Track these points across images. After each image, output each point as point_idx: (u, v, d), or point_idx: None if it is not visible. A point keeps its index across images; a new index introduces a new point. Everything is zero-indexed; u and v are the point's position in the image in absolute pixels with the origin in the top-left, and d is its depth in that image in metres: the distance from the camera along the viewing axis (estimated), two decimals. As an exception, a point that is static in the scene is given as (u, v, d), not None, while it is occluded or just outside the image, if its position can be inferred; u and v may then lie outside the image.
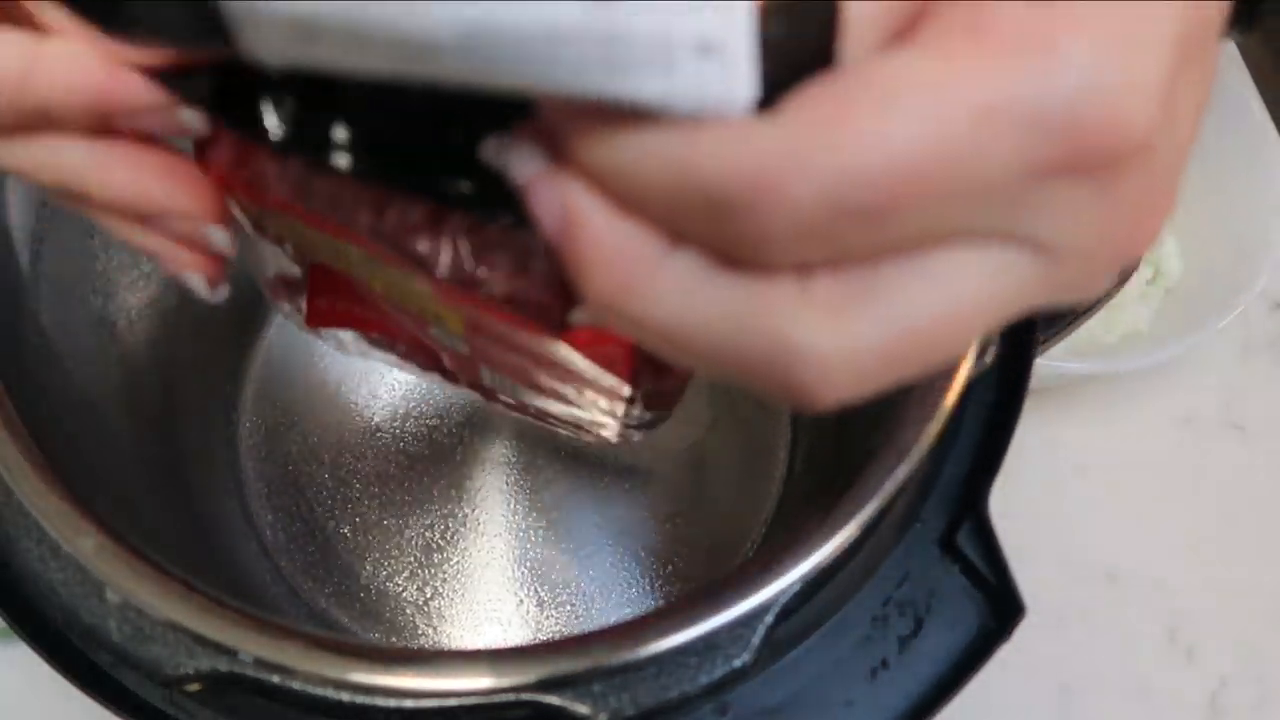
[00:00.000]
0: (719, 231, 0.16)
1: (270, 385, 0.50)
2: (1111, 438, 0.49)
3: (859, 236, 0.16)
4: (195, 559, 0.41)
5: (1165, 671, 0.45)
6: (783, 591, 0.31)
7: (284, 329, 0.51)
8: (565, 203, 0.17)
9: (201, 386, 0.49)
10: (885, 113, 0.15)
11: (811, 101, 0.15)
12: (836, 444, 0.45)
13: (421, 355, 0.31)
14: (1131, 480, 0.49)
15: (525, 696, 0.31)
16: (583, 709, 0.31)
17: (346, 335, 0.32)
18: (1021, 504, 0.47)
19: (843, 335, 0.17)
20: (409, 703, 0.31)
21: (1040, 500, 0.48)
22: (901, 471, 0.33)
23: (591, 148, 0.16)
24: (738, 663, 0.31)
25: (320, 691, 0.31)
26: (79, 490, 0.34)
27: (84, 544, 0.32)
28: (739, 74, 0.15)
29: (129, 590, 0.31)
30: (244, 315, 0.51)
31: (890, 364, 0.17)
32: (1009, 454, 0.38)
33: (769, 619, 0.31)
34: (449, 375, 0.32)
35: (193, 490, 0.47)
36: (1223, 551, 0.47)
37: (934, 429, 0.34)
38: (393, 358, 0.32)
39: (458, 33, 0.14)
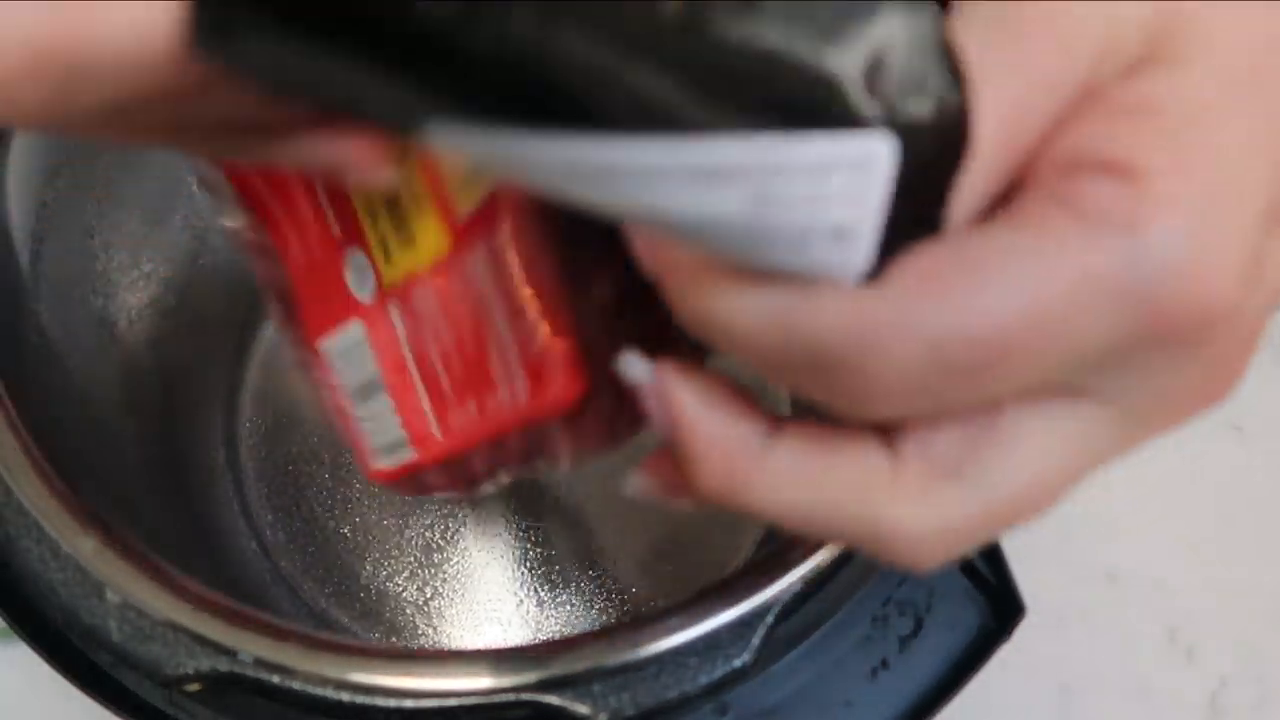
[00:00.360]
0: (822, 384, 0.17)
1: (270, 385, 0.50)
2: (1111, 438, 0.49)
3: (957, 392, 0.17)
4: (195, 559, 0.41)
5: (1165, 671, 0.45)
6: (783, 592, 0.31)
7: (284, 329, 0.51)
8: (673, 401, 0.18)
9: (201, 386, 0.49)
10: (986, 280, 0.16)
11: (920, 268, 0.16)
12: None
13: (296, 252, 0.29)
14: (1131, 480, 0.49)
15: (525, 696, 0.31)
16: (583, 709, 0.31)
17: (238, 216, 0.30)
18: (1021, 504, 0.47)
19: (933, 516, 0.18)
20: (409, 703, 0.31)
21: (1040, 500, 0.48)
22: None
23: (708, 299, 0.17)
24: (738, 663, 0.31)
25: (320, 691, 0.31)
26: (79, 490, 0.34)
27: (84, 544, 0.32)
28: (862, 250, 0.16)
29: (129, 590, 0.32)
30: (244, 315, 0.51)
31: (979, 533, 0.18)
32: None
33: (769, 619, 0.31)
34: (287, 300, 0.30)
35: (192, 490, 0.47)
36: (1223, 551, 0.47)
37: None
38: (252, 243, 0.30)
39: (639, 211, 0.16)
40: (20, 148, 0.40)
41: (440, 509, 0.49)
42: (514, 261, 0.22)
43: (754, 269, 0.16)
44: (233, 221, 0.30)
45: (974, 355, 0.16)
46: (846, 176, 0.15)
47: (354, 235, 0.27)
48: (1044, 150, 0.17)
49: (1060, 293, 0.16)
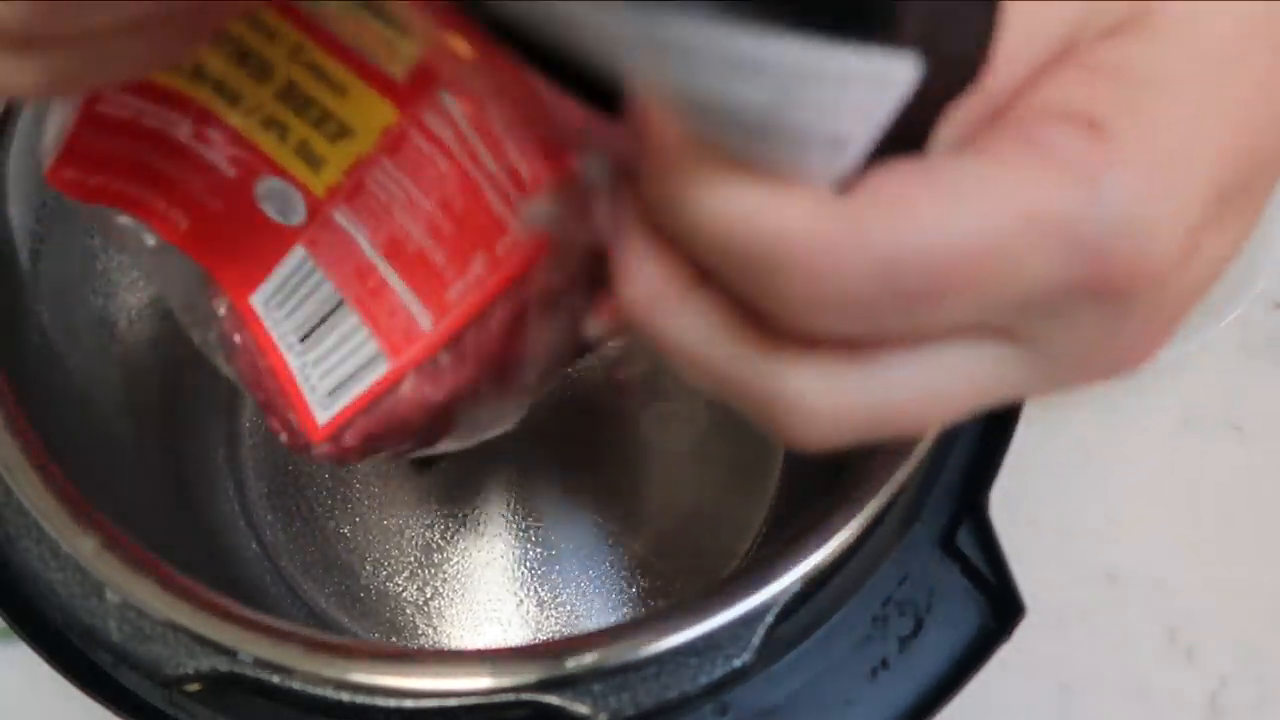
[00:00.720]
0: (770, 287, 0.17)
1: (270, 385, 0.50)
2: (1112, 438, 0.49)
3: (897, 317, 0.17)
4: (195, 559, 0.41)
5: (1165, 671, 0.45)
6: (783, 592, 0.31)
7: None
8: (622, 211, 0.19)
9: (202, 386, 0.49)
10: (945, 206, 0.16)
11: (886, 185, 0.16)
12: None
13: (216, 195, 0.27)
14: (1131, 480, 0.49)
15: (525, 696, 0.31)
16: (583, 709, 0.31)
17: (124, 220, 0.28)
18: (1021, 504, 0.47)
19: (832, 393, 0.18)
20: (409, 703, 0.31)
21: (1040, 500, 0.48)
22: (901, 473, 0.33)
23: (683, 184, 0.17)
24: (738, 663, 0.31)
25: (320, 691, 0.31)
26: (79, 490, 0.34)
27: (84, 544, 0.32)
28: (848, 159, 0.16)
29: (128, 591, 0.32)
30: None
31: (871, 425, 0.19)
32: (1009, 453, 0.38)
33: (769, 619, 0.31)
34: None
35: (192, 489, 0.47)
36: (1223, 551, 0.47)
37: (934, 430, 0.34)
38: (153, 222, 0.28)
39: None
40: (20, 148, 0.40)
41: (440, 509, 0.49)
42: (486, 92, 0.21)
43: (738, 158, 0.16)
44: (115, 232, 0.29)
45: (919, 279, 0.16)
46: (862, 92, 0.15)
47: (257, 165, 0.26)
48: (1022, 95, 0.17)
49: (1011, 227, 0.16)
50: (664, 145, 0.17)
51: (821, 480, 0.43)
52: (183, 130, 0.26)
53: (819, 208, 0.16)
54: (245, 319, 0.29)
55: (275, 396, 0.30)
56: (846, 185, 0.17)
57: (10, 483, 0.33)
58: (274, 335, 0.29)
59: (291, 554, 0.48)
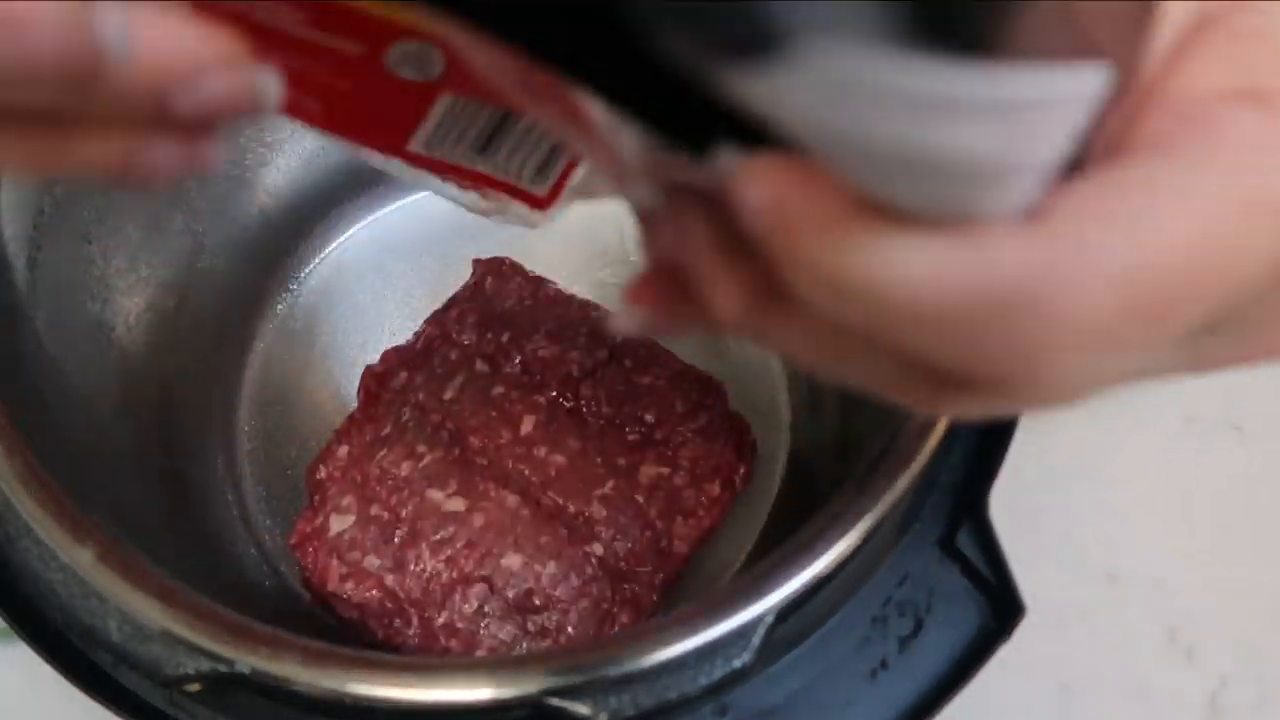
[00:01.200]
0: (993, 342, 0.16)
1: (268, 389, 0.50)
2: (1112, 438, 0.49)
3: (1139, 340, 0.16)
4: (194, 563, 0.41)
5: (1165, 671, 0.45)
6: (782, 601, 0.31)
7: (282, 331, 0.51)
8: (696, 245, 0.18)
9: (199, 390, 0.49)
10: (1163, 213, 0.15)
11: (1086, 205, 0.15)
12: (836, 453, 0.45)
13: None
14: (1131, 480, 0.49)
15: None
16: (583, 709, 0.31)
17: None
18: (1021, 504, 0.47)
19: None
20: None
21: (1040, 500, 0.48)
22: (901, 483, 0.33)
23: (853, 253, 0.15)
24: (738, 663, 0.31)
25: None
26: (77, 496, 0.34)
27: (81, 556, 0.32)
28: (1038, 185, 0.15)
29: (126, 602, 0.31)
30: (242, 318, 0.51)
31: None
32: (1009, 454, 0.38)
33: (769, 620, 0.31)
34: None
35: (191, 495, 0.47)
36: (1223, 552, 0.47)
37: (934, 438, 0.34)
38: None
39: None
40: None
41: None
42: None
43: (900, 212, 0.14)
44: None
45: (1156, 291, 0.15)
46: (1062, 111, 0.14)
47: (384, 34, 0.25)
48: (1164, 80, 0.17)
49: (1236, 216, 0.16)
50: (802, 219, 0.15)
51: (822, 487, 0.43)
52: (296, 21, 0.25)
53: (1029, 243, 0.15)
54: (413, 161, 0.29)
55: (489, 192, 0.30)
56: (1026, 214, 0.15)
57: (9, 494, 0.33)
58: (449, 160, 0.29)
59: (289, 558, 0.48)
